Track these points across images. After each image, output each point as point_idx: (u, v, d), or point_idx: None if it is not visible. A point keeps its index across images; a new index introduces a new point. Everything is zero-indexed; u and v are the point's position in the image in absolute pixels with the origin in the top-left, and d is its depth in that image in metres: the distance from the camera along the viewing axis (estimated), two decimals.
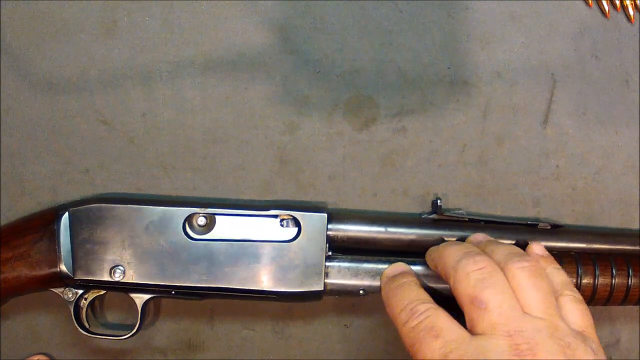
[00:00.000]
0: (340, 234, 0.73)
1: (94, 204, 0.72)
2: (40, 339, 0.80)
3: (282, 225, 0.73)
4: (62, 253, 0.71)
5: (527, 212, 0.81)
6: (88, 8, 0.77)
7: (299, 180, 0.79)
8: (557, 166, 0.81)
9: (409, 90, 0.79)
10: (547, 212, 0.81)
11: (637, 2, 0.80)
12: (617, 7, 0.80)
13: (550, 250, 0.74)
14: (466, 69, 0.79)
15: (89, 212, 0.72)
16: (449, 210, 0.77)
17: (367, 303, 0.80)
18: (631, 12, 0.80)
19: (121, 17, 0.77)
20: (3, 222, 0.78)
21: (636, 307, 0.82)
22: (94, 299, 0.76)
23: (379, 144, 0.80)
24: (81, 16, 0.77)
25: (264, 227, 0.73)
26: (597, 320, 0.82)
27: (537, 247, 0.71)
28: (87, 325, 0.77)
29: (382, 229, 0.74)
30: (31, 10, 0.76)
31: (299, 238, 0.72)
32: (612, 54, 0.81)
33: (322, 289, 0.72)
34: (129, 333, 0.76)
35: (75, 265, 0.71)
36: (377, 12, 0.78)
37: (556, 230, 0.76)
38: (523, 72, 0.80)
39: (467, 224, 0.75)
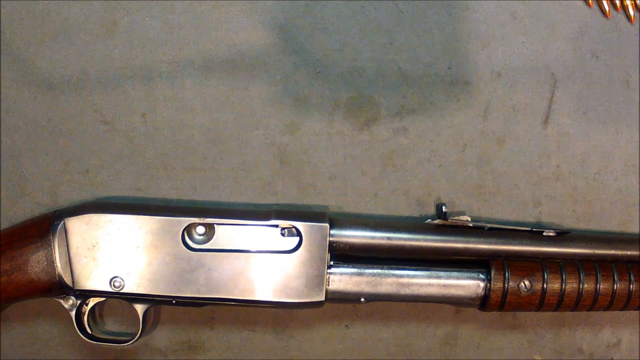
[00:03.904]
0: (342, 240, 0.72)
1: (90, 212, 0.71)
2: (40, 342, 0.80)
3: (282, 235, 0.72)
4: (59, 264, 0.71)
5: (528, 212, 0.81)
6: (88, 8, 0.77)
7: (299, 180, 0.79)
8: (558, 166, 0.81)
9: (409, 90, 0.79)
10: (547, 212, 0.81)
11: (637, 2, 0.80)
12: (617, 7, 0.80)
13: (554, 257, 0.74)
14: (467, 69, 0.79)
15: (85, 222, 0.71)
16: (453, 214, 0.76)
17: (368, 304, 0.80)
18: (631, 12, 0.80)
19: (121, 17, 0.77)
20: (3, 223, 0.78)
21: (637, 314, 0.82)
22: (94, 305, 0.75)
23: (379, 144, 0.79)
24: (81, 16, 0.77)
25: (265, 237, 0.72)
26: (599, 320, 0.83)
27: None
28: (89, 331, 0.76)
29: (384, 235, 0.73)
30: (31, 10, 0.76)
31: (300, 249, 0.71)
32: (612, 54, 0.80)
33: (324, 299, 0.71)
34: (130, 338, 0.75)
35: (74, 275, 0.71)
36: (377, 12, 0.78)
37: (561, 237, 0.75)
38: (523, 72, 0.80)
39: (471, 230, 0.74)
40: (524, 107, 0.80)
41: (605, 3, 0.79)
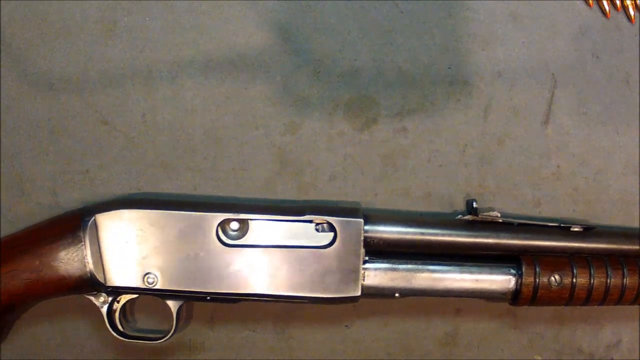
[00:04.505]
0: (376, 236, 0.72)
1: (122, 208, 0.71)
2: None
3: (317, 230, 0.71)
4: (90, 260, 0.70)
5: (528, 212, 0.81)
6: (88, 8, 0.77)
7: (299, 180, 0.79)
8: (558, 166, 0.81)
9: (409, 90, 0.79)
10: (548, 213, 0.81)
11: (637, 2, 0.80)
12: (617, 7, 0.80)
13: (580, 252, 0.74)
14: (467, 69, 0.79)
15: (116, 218, 0.70)
16: (483, 211, 0.76)
17: (368, 304, 0.80)
18: (631, 12, 0.80)
19: (121, 17, 0.77)
20: (3, 223, 0.78)
21: (637, 308, 0.82)
22: (125, 302, 0.75)
23: (379, 144, 0.79)
24: (81, 16, 0.77)
25: (299, 232, 0.71)
26: (599, 320, 0.83)
27: None
28: (120, 329, 0.75)
29: (417, 231, 0.73)
30: (31, 10, 0.76)
31: (335, 244, 0.71)
32: (612, 54, 0.80)
33: (360, 294, 0.71)
34: (162, 335, 0.75)
35: (105, 272, 0.70)
36: (377, 12, 0.78)
37: (588, 232, 0.75)
38: (524, 72, 0.80)
39: (501, 225, 0.74)
40: (524, 107, 0.80)
41: (605, 3, 0.79)
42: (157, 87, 0.77)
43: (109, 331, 0.74)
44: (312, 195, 0.79)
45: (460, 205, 0.80)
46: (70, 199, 0.78)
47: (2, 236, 0.76)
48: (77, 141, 0.78)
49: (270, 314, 0.81)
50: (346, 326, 0.81)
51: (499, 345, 0.82)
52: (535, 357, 0.83)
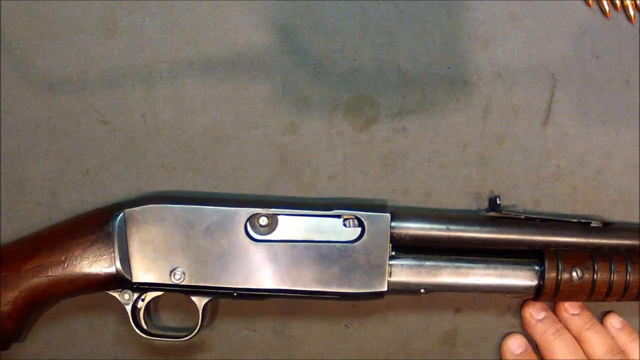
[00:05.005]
0: (402, 232, 0.73)
1: (151, 204, 0.71)
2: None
3: (345, 226, 0.72)
4: (118, 255, 0.70)
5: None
6: (88, 8, 0.77)
7: (299, 180, 0.79)
8: (558, 166, 0.81)
9: (409, 90, 0.79)
10: (547, 213, 0.81)
11: (637, 2, 0.80)
12: (617, 7, 0.80)
13: (601, 247, 0.75)
14: (466, 69, 0.79)
15: (146, 213, 0.71)
16: (507, 207, 0.77)
17: (367, 303, 0.80)
18: (631, 12, 0.80)
19: (121, 17, 0.77)
20: (3, 223, 0.78)
21: (637, 307, 0.82)
22: (150, 300, 0.75)
23: (379, 144, 0.79)
24: (81, 16, 0.77)
25: (327, 227, 0.72)
26: (598, 318, 0.82)
27: (615, 321, 0.80)
28: (144, 327, 0.75)
29: (443, 227, 0.74)
30: (31, 10, 0.76)
31: (362, 238, 0.71)
32: (612, 54, 0.80)
33: (386, 289, 0.72)
34: (187, 333, 0.75)
35: (132, 267, 0.70)
36: (377, 12, 0.78)
37: (607, 227, 0.76)
38: (523, 72, 0.80)
39: (524, 222, 0.75)
40: (524, 107, 0.80)
41: (605, 3, 0.79)
42: (157, 87, 0.78)
43: (126, 330, 0.74)
44: (312, 195, 0.79)
45: (461, 205, 0.80)
46: (70, 199, 0.78)
47: (1, 235, 0.77)
48: (77, 141, 0.78)
49: (270, 314, 0.81)
50: (346, 326, 0.81)
51: (499, 345, 0.82)
52: None
